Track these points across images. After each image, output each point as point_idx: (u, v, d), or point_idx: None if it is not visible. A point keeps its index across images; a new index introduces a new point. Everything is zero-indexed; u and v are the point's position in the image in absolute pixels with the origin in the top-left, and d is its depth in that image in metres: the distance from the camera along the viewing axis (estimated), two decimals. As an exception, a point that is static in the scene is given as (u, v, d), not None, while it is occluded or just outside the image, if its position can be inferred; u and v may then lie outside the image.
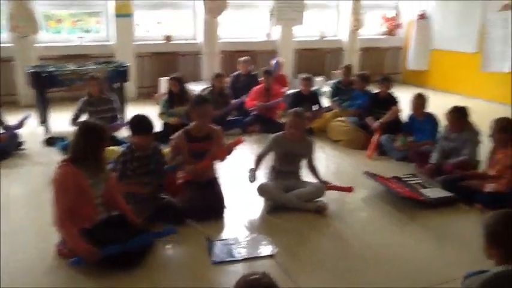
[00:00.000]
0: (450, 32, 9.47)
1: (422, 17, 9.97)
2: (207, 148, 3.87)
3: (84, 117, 5.38)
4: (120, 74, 6.48)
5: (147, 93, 8.49)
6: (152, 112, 6.19)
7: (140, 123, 3.55)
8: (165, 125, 5.96)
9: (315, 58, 10.02)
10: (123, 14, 8.06)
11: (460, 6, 9.19)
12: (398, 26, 10.68)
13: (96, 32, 8.54)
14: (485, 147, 4.61)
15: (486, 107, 8.19)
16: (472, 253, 3.29)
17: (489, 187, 3.98)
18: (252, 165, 4.14)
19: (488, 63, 8.66)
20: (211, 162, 3.93)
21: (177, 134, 3.91)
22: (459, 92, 9.29)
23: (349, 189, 4.06)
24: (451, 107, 4.64)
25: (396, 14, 10.71)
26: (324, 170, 5.09)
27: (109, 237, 2.93)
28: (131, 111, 7.30)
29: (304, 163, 4.23)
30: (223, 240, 3.45)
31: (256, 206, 4.03)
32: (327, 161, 5.49)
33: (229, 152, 3.88)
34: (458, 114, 4.57)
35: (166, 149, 4.45)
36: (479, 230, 3.61)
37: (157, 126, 5.98)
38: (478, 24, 8.82)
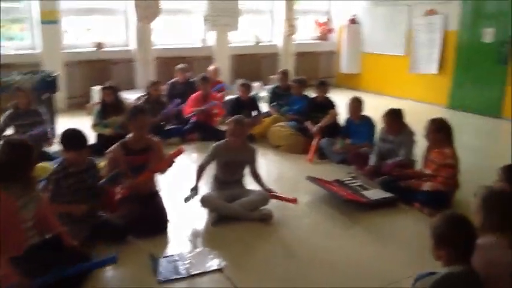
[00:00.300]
0: (379, 36, 9.83)
1: (353, 21, 10.28)
2: (146, 161, 3.71)
3: (9, 132, 5.03)
4: (48, 84, 6.12)
5: (78, 104, 8.12)
6: (85, 123, 5.92)
7: (73, 138, 3.32)
8: (99, 136, 5.70)
9: (251, 63, 10.03)
10: (50, 20, 7.64)
11: (388, 11, 9.58)
12: (330, 30, 10.94)
13: (21, 40, 8.03)
14: (419, 146, 4.78)
15: (416, 108, 8.54)
16: (414, 252, 3.40)
17: (426, 186, 4.11)
18: (194, 176, 4.03)
19: (415, 65, 9.07)
20: (151, 175, 3.76)
21: (113, 147, 3.72)
22: (390, 93, 9.65)
23: (293, 201, 4.01)
24: (387, 110, 4.76)
25: (328, 19, 10.95)
26: (266, 176, 5.06)
27: (43, 263, 2.70)
28: (62, 123, 6.96)
29: (247, 171, 4.17)
30: (168, 256, 3.30)
31: (201, 218, 3.91)
32: (268, 166, 5.46)
33: (169, 163, 3.74)
34: (394, 117, 4.70)
35: (101, 163, 4.24)
36: (419, 229, 3.78)
37: (91, 138, 5.77)
38: (405, 29, 9.21)
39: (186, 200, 3.91)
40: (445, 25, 8.49)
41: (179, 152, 3.76)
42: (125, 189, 3.70)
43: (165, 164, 3.73)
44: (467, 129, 7.47)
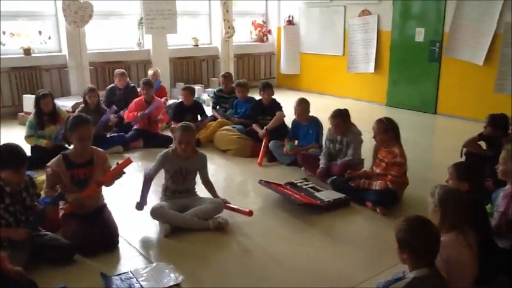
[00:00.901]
0: (317, 37, 9.99)
1: (290, 22, 10.37)
2: (91, 174, 3.48)
3: None
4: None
5: (9, 113, 7.60)
6: (17, 134, 5.54)
7: (10, 156, 3.00)
8: (34, 148, 5.33)
9: (191, 66, 9.86)
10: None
11: (324, 12, 9.75)
12: (268, 32, 10.98)
13: None
14: (365, 145, 4.86)
15: (357, 106, 8.73)
16: (370, 254, 3.42)
17: (376, 185, 4.16)
18: (141, 187, 3.86)
19: (353, 65, 9.28)
20: (96, 189, 3.53)
21: (53, 160, 3.45)
22: (330, 93, 9.83)
23: (249, 214, 3.89)
24: (334, 111, 4.78)
25: (265, 21, 10.98)
26: (217, 181, 4.94)
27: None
28: (-9, 135, 6.48)
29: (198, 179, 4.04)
30: (121, 274, 3.10)
31: (153, 230, 3.73)
32: (217, 172, 5.34)
33: (117, 175, 3.53)
34: (341, 117, 4.73)
35: (39, 177, 3.97)
36: (374, 229, 3.82)
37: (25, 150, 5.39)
38: (342, 29, 9.41)
39: (138, 208, 3.75)
40: (379, 25, 8.75)
41: (127, 163, 3.56)
42: (69, 205, 3.46)
43: (112, 175, 3.51)
44: (405, 126, 7.67)
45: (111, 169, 3.55)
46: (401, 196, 4.26)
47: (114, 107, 6.23)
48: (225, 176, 5.23)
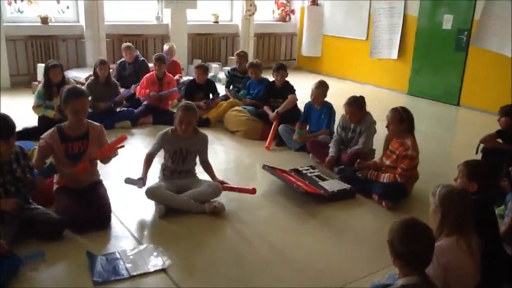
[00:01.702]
0: (341, 19, 9.66)
1: (314, 3, 10.05)
2: (85, 148, 3.38)
3: None
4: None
5: (23, 82, 7.59)
6: (29, 103, 5.49)
7: None
8: (42, 119, 5.27)
9: (210, 43, 9.68)
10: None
11: (350, -7, 9.38)
12: (291, 11, 10.68)
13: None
14: (379, 134, 4.64)
15: (377, 93, 8.49)
16: (372, 249, 3.24)
17: (384, 177, 3.97)
18: (142, 165, 3.75)
19: (376, 50, 8.95)
20: (90, 165, 3.43)
21: (48, 132, 3.37)
22: (351, 78, 9.54)
23: (252, 191, 3.76)
24: (349, 98, 4.57)
25: (288, 0, 10.67)
26: (223, 163, 4.84)
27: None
28: (5, 102, 6.49)
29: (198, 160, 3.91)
30: (108, 254, 3.01)
31: (148, 210, 3.63)
32: (225, 153, 5.22)
33: (111, 152, 3.42)
34: (356, 105, 4.52)
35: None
36: (378, 223, 3.64)
37: (32, 120, 5.34)
38: (367, 12, 9.06)
39: (127, 181, 3.62)
40: (405, 10, 8.38)
41: (121, 139, 3.45)
42: (63, 179, 3.37)
43: (105, 152, 3.41)
44: (426, 117, 7.45)
45: (105, 146, 3.44)
46: (411, 191, 4.05)
47: (132, 91, 6.13)
48: (231, 158, 5.10)
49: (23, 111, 5.64)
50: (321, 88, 5.08)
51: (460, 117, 7.51)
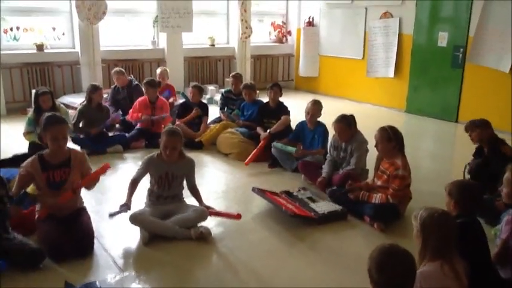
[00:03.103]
0: (337, 39, 9.66)
1: (310, 24, 10.08)
2: (67, 176, 3.32)
3: None
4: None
5: (19, 109, 7.59)
6: (22, 130, 5.45)
7: None
8: (32, 145, 5.23)
9: (206, 66, 9.70)
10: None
11: (345, 13, 9.41)
12: (288, 33, 10.71)
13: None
14: (372, 154, 4.55)
15: (375, 112, 8.43)
16: (362, 274, 3.08)
17: (376, 198, 3.87)
18: (126, 191, 3.68)
19: (372, 69, 8.92)
20: (73, 195, 3.36)
21: (29, 160, 3.32)
22: (348, 97, 9.49)
23: (237, 217, 3.69)
24: (338, 117, 4.50)
25: (284, 22, 10.71)
26: (215, 186, 4.76)
27: None
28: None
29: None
30: (87, 284, 2.91)
31: (132, 236, 3.54)
32: (217, 176, 5.15)
33: (93, 181, 3.38)
34: (345, 123, 4.44)
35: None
36: (369, 246, 3.49)
37: (23, 147, 5.31)
38: (363, 32, 9.06)
39: (111, 215, 3.54)
40: (400, 28, 8.37)
41: (105, 168, 3.39)
42: (45, 209, 3.30)
43: (88, 181, 3.35)
44: (424, 134, 7.38)
45: (88, 175, 3.38)
46: (404, 211, 3.94)
47: (120, 113, 6.13)
48: (223, 181, 5.01)
49: (18, 138, 5.63)
50: (317, 105, 5.03)
51: (458, 134, 7.39)
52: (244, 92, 6.19)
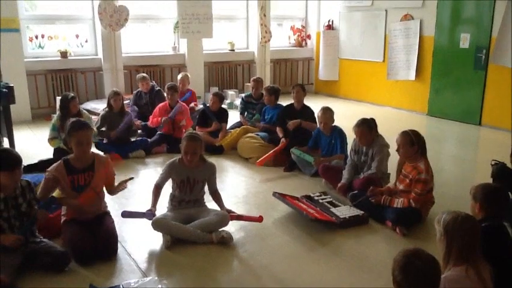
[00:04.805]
0: (357, 42, 9.61)
1: (330, 27, 10.05)
2: (91, 180, 3.38)
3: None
4: (3, 95, 5.73)
5: (44, 115, 7.76)
6: (47, 136, 5.56)
7: (4, 158, 2.94)
8: (57, 151, 5.33)
9: (226, 71, 9.75)
10: (10, 28, 7.23)
11: (365, 16, 9.36)
12: (307, 37, 10.70)
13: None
14: (393, 158, 4.51)
15: (396, 115, 8.37)
16: (383, 278, 3.08)
17: (397, 203, 3.83)
18: (151, 196, 3.74)
19: (393, 72, 8.84)
20: (94, 195, 3.43)
21: (54, 165, 3.39)
22: (369, 100, 9.43)
23: (259, 220, 3.69)
24: (358, 121, 4.48)
25: (303, 26, 10.72)
26: (235, 190, 4.78)
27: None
28: (25, 135, 6.65)
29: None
30: (111, 287, 2.97)
31: (155, 241, 3.58)
32: (237, 180, 5.17)
33: (119, 189, 3.50)
34: (366, 127, 4.41)
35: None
36: (391, 252, 3.48)
37: (48, 152, 5.42)
38: (383, 34, 9.00)
39: (125, 215, 3.63)
40: (421, 30, 8.29)
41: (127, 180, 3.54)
42: (70, 211, 3.37)
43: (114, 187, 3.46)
44: (447, 137, 7.28)
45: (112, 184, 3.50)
46: (426, 216, 3.90)
47: (135, 109, 6.20)
48: (244, 186, 5.03)
49: (43, 144, 5.75)
50: (328, 112, 5.02)
51: (481, 136, 7.30)
52: (266, 95, 6.19)
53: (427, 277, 1.85)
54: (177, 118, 6.14)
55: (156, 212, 3.65)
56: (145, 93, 6.85)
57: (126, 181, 3.57)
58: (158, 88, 7.02)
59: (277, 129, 5.77)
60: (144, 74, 7.04)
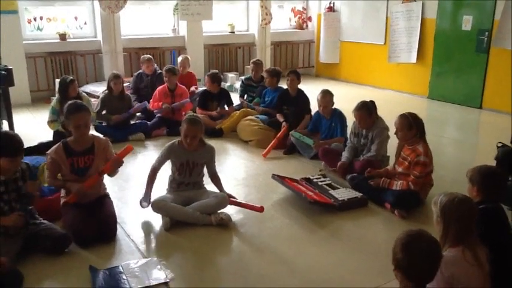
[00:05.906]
0: (358, 24, 9.53)
1: (331, 9, 9.96)
2: (91, 162, 3.38)
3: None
4: (2, 78, 5.71)
5: (43, 97, 7.74)
6: (46, 118, 5.55)
7: (8, 144, 2.88)
8: (57, 134, 5.32)
9: (226, 53, 9.69)
10: (7, 10, 7.16)
11: (366, -2, 9.26)
12: (308, 19, 10.61)
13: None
14: (393, 141, 4.50)
15: (397, 98, 8.33)
16: (381, 261, 3.10)
17: (396, 185, 3.84)
18: (147, 180, 3.74)
19: (394, 54, 8.78)
20: (99, 179, 3.44)
21: (53, 148, 3.39)
22: (370, 83, 9.39)
23: (260, 209, 3.66)
24: (358, 104, 4.46)
25: (304, 8, 10.61)
26: (235, 173, 4.79)
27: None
28: (25, 117, 6.64)
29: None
30: (111, 268, 2.99)
31: (155, 223, 3.60)
32: (236, 163, 5.17)
33: (118, 164, 3.41)
34: (365, 110, 4.40)
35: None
36: (389, 233, 3.50)
37: (47, 135, 5.41)
38: (384, 16, 8.91)
39: (143, 205, 3.65)
40: (423, 13, 8.20)
41: (128, 150, 3.45)
42: (72, 195, 3.36)
43: (112, 164, 3.40)
44: (448, 121, 7.27)
45: (113, 158, 3.44)
46: (425, 198, 3.91)
47: (146, 103, 6.20)
48: (243, 168, 5.03)
49: (42, 126, 5.74)
50: (328, 96, 5.00)
51: (482, 120, 7.28)
52: (266, 77, 6.17)
53: (430, 257, 1.86)
54: (177, 101, 6.13)
55: (154, 194, 3.67)
56: (147, 75, 6.81)
57: (126, 152, 3.47)
58: (160, 71, 6.99)
59: (277, 115, 5.75)
60: (150, 56, 7.00)
